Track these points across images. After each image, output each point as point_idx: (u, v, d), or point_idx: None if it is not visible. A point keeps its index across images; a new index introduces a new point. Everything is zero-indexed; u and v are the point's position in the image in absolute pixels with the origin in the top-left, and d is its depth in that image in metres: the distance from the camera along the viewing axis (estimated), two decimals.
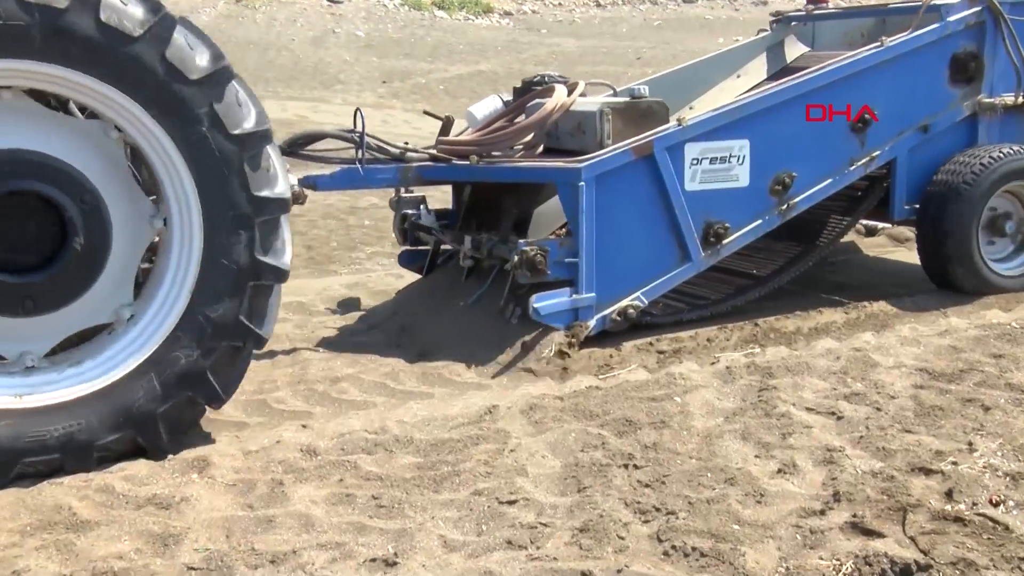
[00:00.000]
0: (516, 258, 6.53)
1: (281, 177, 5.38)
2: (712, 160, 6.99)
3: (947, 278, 7.52)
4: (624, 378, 6.16)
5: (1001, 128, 7.74)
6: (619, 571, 3.81)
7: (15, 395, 5.01)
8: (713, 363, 6.34)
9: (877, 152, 7.48)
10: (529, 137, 7.35)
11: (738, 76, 8.98)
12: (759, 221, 7.21)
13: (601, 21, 39.56)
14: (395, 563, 3.98)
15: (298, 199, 6.40)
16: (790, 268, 7.58)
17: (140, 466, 5.08)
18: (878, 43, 7.45)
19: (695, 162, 6.93)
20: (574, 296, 6.66)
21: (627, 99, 7.33)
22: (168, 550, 4.19)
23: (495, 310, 6.94)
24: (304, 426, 5.61)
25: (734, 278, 7.72)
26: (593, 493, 4.51)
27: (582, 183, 6.55)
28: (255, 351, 5.55)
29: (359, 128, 6.96)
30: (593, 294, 6.70)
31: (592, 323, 6.71)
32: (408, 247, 7.96)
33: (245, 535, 4.29)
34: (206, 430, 5.64)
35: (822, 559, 3.87)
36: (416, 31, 34.07)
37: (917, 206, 7.66)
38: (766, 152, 7.13)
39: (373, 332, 7.47)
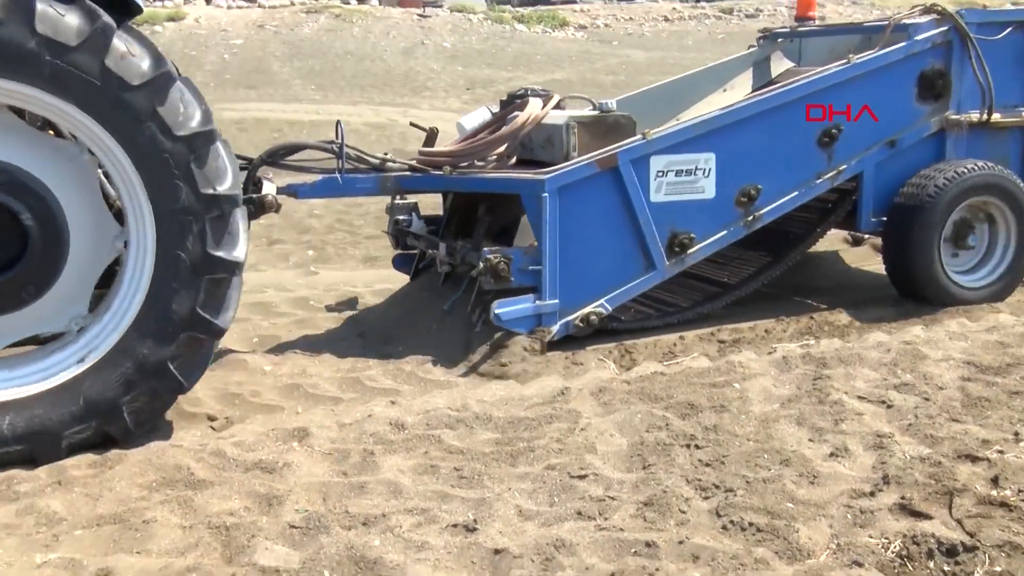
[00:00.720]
0: (481, 265, 6.46)
1: (230, 173, 5.28)
2: (678, 172, 6.79)
3: (910, 289, 7.28)
4: (687, 365, 6.17)
5: (968, 144, 7.44)
6: (680, 542, 3.85)
7: None
8: (770, 353, 6.33)
9: (844, 166, 7.22)
10: (501, 148, 7.24)
11: (724, 90, 8.78)
12: (724, 232, 6.99)
13: (668, 35, 39.48)
14: (475, 529, 4.06)
15: (271, 207, 6.39)
16: (759, 276, 7.36)
17: (248, 433, 5.24)
18: (845, 60, 7.29)
19: (660, 174, 6.74)
20: (537, 303, 6.52)
21: (595, 113, 7.20)
22: (272, 509, 4.33)
23: (464, 315, 6.89)
24: (393, 402, 5.72)
25: (705, 285, 7.55)
26: (657, 470, 4.55)
27: (545, 194, 6.42)
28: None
29: (339, 139, 6.82)
30: (556, 301, 6.55)
31: (555, 329, 6.57)
32: (400, 251, 7.88)
33: (340, 499, 4.41)
34: (306, 404, 5.81)
35: (871, 537, 3.88)
36: (498, 43, 34.29)
37: (884, 218, 7.44)
38: (732, 165, 6.91)
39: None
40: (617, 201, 6.64)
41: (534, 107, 7.16)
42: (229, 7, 39.76)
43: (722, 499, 4.20)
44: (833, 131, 7.07)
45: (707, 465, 4.58)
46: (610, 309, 6.72)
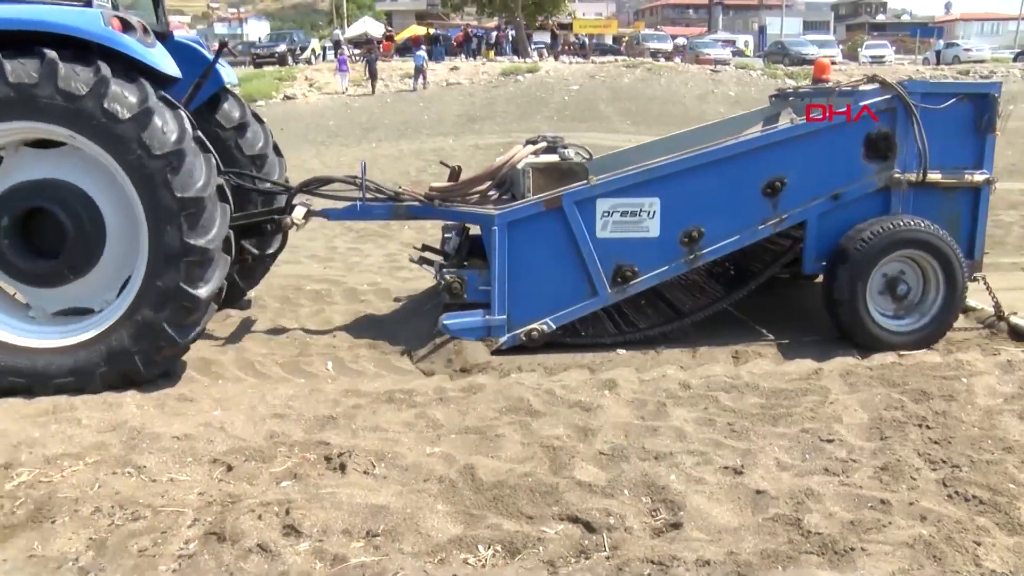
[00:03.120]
0: (441, 283, 6.50)
1: (202, 180, 5.59)
2: (623, 213, 6.42)
3: (840, 329, 6.57)
4: (920, 358, 6.02)
5: (916, 201, 6.64)
6: (911, 504, 3.86)
7: (44, 337, 5.73)
8: (995, 355, 6.08)
9: (787, 215, 6.57)
10: (482, 187, 7.04)
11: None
12: (666, 267, 6.54)
13: None
14: (741, 472, 4.21)
15: (287, 227, 6.75)
16: (711, 306, 6.80)
17: (571, 379, 5.53)
18: (789, 120, 6.79)
19: (606, 214, 6.40)
20: (487, 317, 6.39)
21: (553, 160, 6.94)
22: (587, 439, 4.64)
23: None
24: (681, 367, 5.88)
25: (666, 309, 6.97)
26: (892, 443, 4.54)
27: (495, 227, 6.30)
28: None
29: (361, 175, 6.89)
30: (504, 316, 6.39)
31: (503, 339, 6.40)
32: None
33: (638, 437, 4.67)
34: (615, 362, 6.06)
35: None
36: (771, 91, 34.02)
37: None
38: (676, 209, 6.46)
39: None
40: (562, 236, 6.39)
41: (515, 152, 7.03)
42: (570, 62, 43.46)
43: (948, 472, 4.17)
44: (777, 183, 6.48)
45: (936, 443, 4.52)
46: (554, 327, 6.44)
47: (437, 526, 3.71)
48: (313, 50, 51.70)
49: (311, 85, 39.29)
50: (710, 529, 3.68)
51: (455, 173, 7.41)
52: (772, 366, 5.90)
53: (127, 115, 5.46)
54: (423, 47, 44.07)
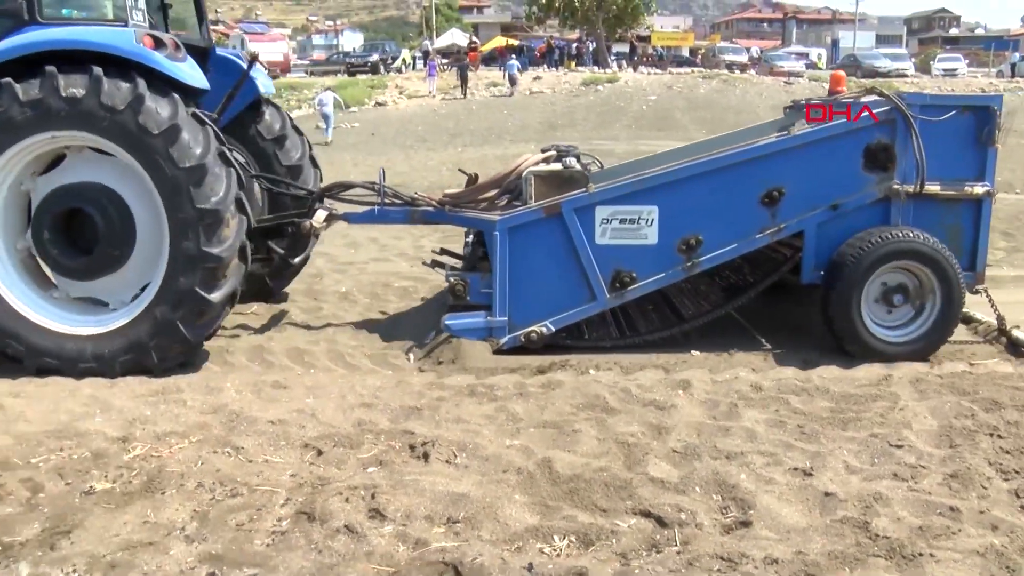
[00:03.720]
0: (446, 285, 6.48)
1: (220, 193, 5.77)
2: (622, 221, 6.26)
3: (834, 338, 6.23)
4: (992, 368, 5.82)
5: (916, 212, 6.30)
6: (981, 512, 3.73)
7: (76, 326, 5.98)
8: None
9: (785, 224, 6.30)
10: (490, 193, 6.91)
11: None
12: (664, 274, 6.34)
13: None
14: (811, 474, 4.12)
15: (306, 230, 6.76)
16: (710, 313, 6.59)
17: (647, 378, 5.49)
18: (785, 131, 6.45)
19: (605, 221, 6.25)
20: (488, 318, 6.31)
21: (555, 168, 6.73)
22: (660, 436, 4.60)
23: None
24: (753, 370, 5.78)
25: (667, 314, 6.82)
26: (962, 451, 4.38)
27: (496, 232, 6.23)
28: None
29: (380, 182, 6.86)
30: (506, 318, 6.30)
31: (504, 340, 6.29)
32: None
33: (710, 436, 4.61)
34: (689, 363, 5.97)
35: None
36: None
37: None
38: (674, 217, 6.26)
39: None
40: (561, 242, 6.27)
41: (523, 160, 6.92)
42: (648, 73, 43.78)
43: (1021, 483, 4.00)
44: (775, 192, 6.23)
45: (1007, 453, 4.36)
46: (553, 330, 6.31)
47: (515, 515, 3.71)
48: (404, 60, 52.29)
49: (401, 92, 39.79)
50: (779, 528, 3.61)
51: (472, 180, 7.36)
52: (841, 371, 5.76)
53: (158, 130, 5.69)
54: (514, 57, 44.28)
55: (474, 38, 57.51)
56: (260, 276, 7.60)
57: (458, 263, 7.10)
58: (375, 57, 50.06)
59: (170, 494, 3.91)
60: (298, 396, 5.31)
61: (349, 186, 7.11)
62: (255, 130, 7.55)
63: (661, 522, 3.66)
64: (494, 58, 49.57)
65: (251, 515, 3.72)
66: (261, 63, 7.52)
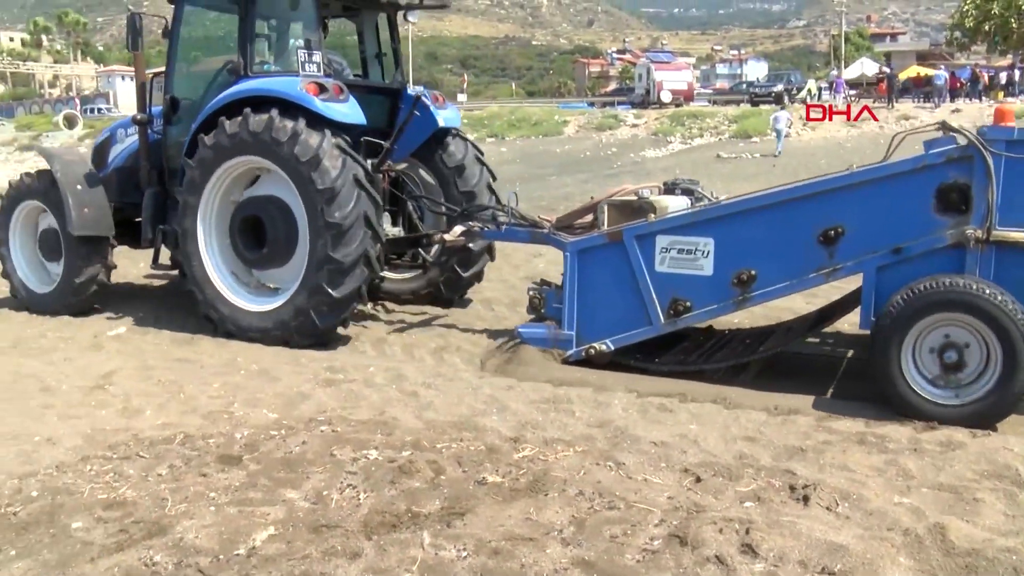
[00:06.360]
0: (528, 297, 7.18)
1: (347, 210, 7.17)
2: (680, 251, 6.44)
3: (877, 387, 5.58)
4: None
5: (997, 262, 5.52)
6: None
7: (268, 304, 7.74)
8: None
9: (841, 265, 5.99)
10: (585, 218, 7.42)
11: None
12: (717, 305, 6.43)
13: None
14: None
15: (440, 242, 8.11)
16: (764, 349, 6.63)
17: None
18: (847, 168, 6.05)
19: (664, 250, 6.49)
20: (556, 330, 6.85)
21: (630, 199, 7.10)
22: None
23: None
24: None
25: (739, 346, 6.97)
26: None
27: (567, 253, 6.80)
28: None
29: (509, 205, 7.79)
30: (573, 332, 6.78)
31: (570, 352, 6.78)
32: None
33: None
34: None
35: None
36: None
37: None
38: (729, 250, 6.30)
39: None
40: (622, 267, 6.60)
41: (616, 190, 7.46)
42: None
43: None
44: (831, 232, 5.96)
45: None
46: (612, 348, 6.67)
47: None
48: (809, 90, 50.72)
49: (804, 124, 38.62)
50: None
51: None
52: None
53: (305, 157, 7.21)
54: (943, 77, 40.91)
55: (882, 68, 54.10)
56: (436, 283, 9.12)
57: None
58: (779, 87, 49.21)
59: (552, 497, 4.16)
60: (682, 421, 5.38)
61: (484, 208, 8.33)
62: (439, 158, 8.84)
63: None
64: (907, 89, 46.17)
65: (625, 529, 3.84)
66: (432, 99, 8.84)
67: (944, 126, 5.89)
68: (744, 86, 57.33)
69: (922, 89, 43.42)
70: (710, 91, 63.15)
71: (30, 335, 8.20)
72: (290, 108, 7.40)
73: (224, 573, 3.54)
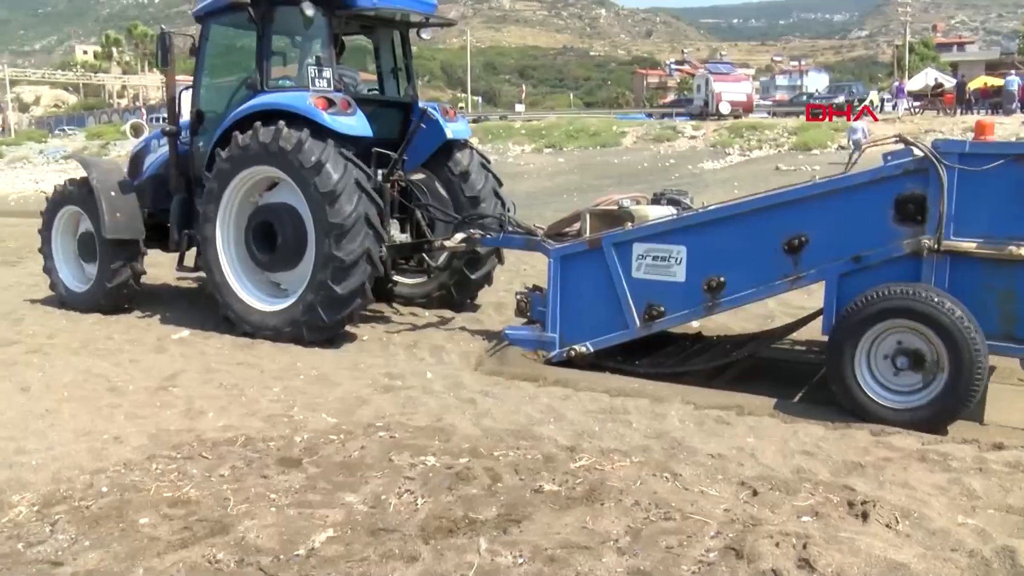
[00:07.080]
0: (516, 300, 7.54)
1: (347, 212, 7.58)
2: (655, 258, 6.69)
3: (832, 389, 5.79)
4: None
5: (952, 272, 5.63)
6: None
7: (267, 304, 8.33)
8: None
9: (805, 273, 6.17)
10: (573, 227, 7.73)
11: None
12: (688, 311, 6.69)
13: None
14: None
15: (441, 249, 8.61)
16: (734, 351, 7.05)
17: None
18: (810, 179, 6.37)
19: (641, 257, 6.74)
20: (540, 332, 7.16)
21: (610, 208, 7.36)
22: None
23: None
24: None
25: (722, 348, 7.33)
26: None
27: (551, 259, 7.12)
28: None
29: (506, 213, 8.56)
30: (556, 334, 7.08)
31: (553, 353, 7.08)
32: None
33: None
34: None
35: None
36: None
37: None
38: (700, 257, 6.53)
39: None
40: (602, 273, 6.86)
41: (600, 200, 7.70)
42: None
43: None
44: (796, 241, 6.12)
45: None
46: (592, 350, 6.94)
47: None
48: (871, 102, 49.84)
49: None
50: None
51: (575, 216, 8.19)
52: None
53: (309, 164, 7.65)
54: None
55: (941, 79, 52.73)
56: (448, 287, 9.47)
57: None
58: (840, 99, 48.37)
59: (608, 506, 4.17)
60: (740, 434, 5.35)
61: (483, 216, 8.72)
62: (446, 166, 9.20)
63: None
64: (972, 101, 44.97)
65: (681, 540, 3.83)
66: (443, 112, 9.24)
67: (902, 139, 6.03)
68: (804, 97, 56.58)
69: (989, 100, 42.27)
70: (769, 103, 62.43)
71: (98, 336, 8.46)
72: (299, 121, 7.86)
73: (284, 573, 3.61)
